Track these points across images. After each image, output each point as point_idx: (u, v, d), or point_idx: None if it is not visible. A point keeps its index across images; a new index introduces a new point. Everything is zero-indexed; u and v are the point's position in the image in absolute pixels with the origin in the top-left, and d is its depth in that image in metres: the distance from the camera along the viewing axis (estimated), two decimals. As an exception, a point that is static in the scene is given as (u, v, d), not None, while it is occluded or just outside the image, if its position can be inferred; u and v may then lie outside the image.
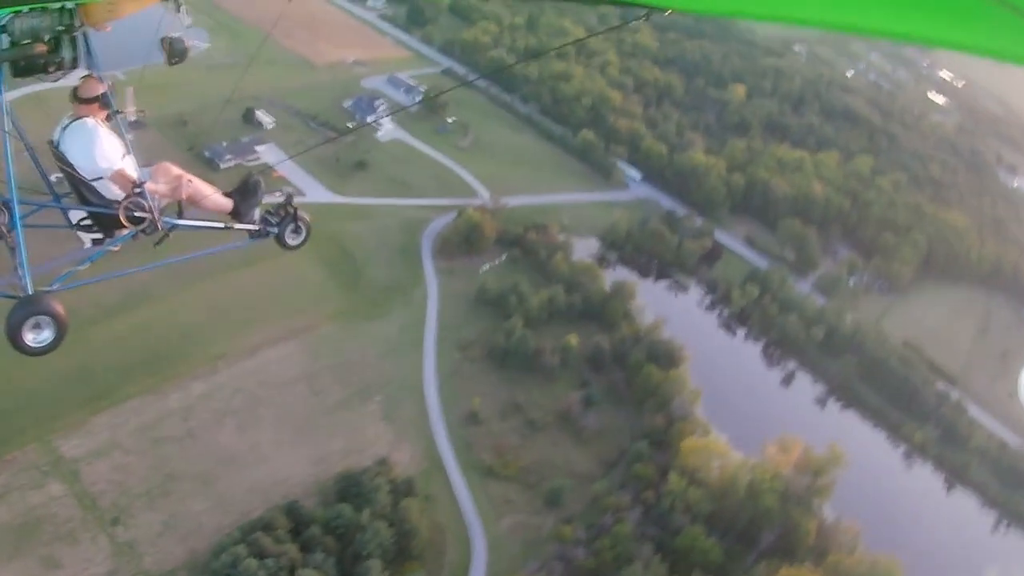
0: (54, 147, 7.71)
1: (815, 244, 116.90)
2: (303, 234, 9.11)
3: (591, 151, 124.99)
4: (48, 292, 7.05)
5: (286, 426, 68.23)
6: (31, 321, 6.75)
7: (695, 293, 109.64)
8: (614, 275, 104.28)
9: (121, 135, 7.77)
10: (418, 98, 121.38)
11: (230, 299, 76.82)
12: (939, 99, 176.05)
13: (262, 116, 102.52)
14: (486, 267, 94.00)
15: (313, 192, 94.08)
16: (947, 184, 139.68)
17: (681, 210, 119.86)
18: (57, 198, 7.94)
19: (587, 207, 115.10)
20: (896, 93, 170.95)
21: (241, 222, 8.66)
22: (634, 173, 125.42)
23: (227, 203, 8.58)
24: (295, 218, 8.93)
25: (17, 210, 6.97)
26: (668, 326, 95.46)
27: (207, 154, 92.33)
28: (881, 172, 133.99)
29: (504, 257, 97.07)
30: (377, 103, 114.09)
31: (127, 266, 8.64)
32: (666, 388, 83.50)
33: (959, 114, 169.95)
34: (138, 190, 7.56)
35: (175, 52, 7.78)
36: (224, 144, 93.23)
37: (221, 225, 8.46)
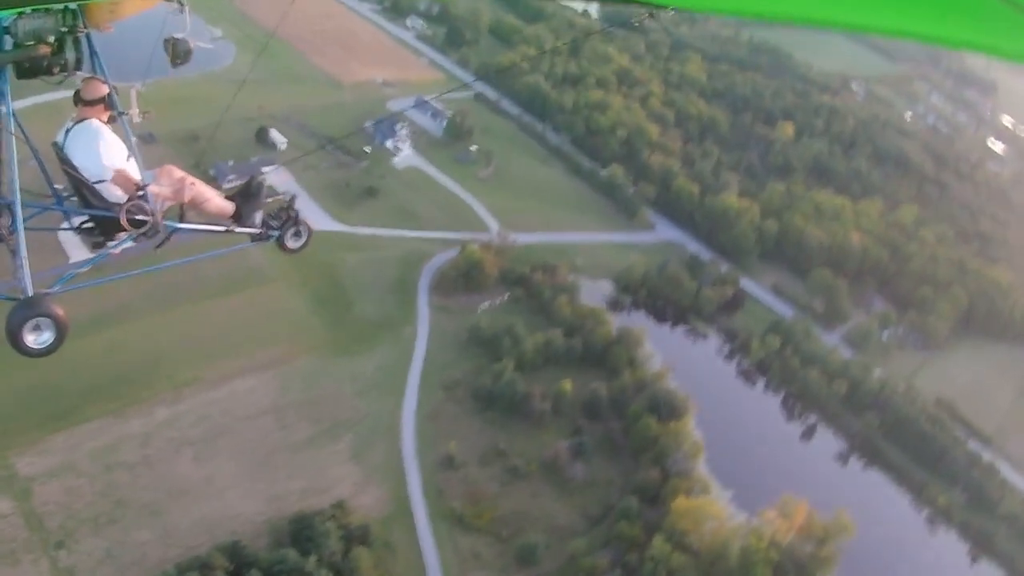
0: (58, 149, 7.83)
1: (846, 295, 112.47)
2: (304, 237, 9.29)
3: (618, 188, 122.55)
4: (48, 294, 7.11)
5: (245, 460, 67.72)
6: (31, 323, 6.83)
7: (714, 341, 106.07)
8: (628, 320, 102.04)
9: (125, 137, 7.90)
10: (443, 122, 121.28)
11: (208, 325, 77.20)
12: (998, 147, 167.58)
13: (276, 136, 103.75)
14: (485, 306, 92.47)
15: (315, 219, 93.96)
16: (995, 239, 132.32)
17: (707, 255, 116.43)
18: (59, 201, 8.10)
19: (606, 248, 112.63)
20: (954, 138, 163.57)
21: (243, 225, 8.77)
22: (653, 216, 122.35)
23: (229, 206, 8.67)
24: (296, 221, 9.12)
25: (19, 212, 7.07)
26: (681, 375, 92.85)
27: (212, 172, 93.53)
28: (926, 223, 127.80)
29: (506, 297, 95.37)
30: (398, 126, 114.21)
31: (129, 269, 9.23)
32: (665, 441, 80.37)
33: (1018, 163, 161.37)
34: (140, 193, 7.64)
35: (178, 53, 7.90)
36: (230, 163, 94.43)
37: (223, 228, 8.60)
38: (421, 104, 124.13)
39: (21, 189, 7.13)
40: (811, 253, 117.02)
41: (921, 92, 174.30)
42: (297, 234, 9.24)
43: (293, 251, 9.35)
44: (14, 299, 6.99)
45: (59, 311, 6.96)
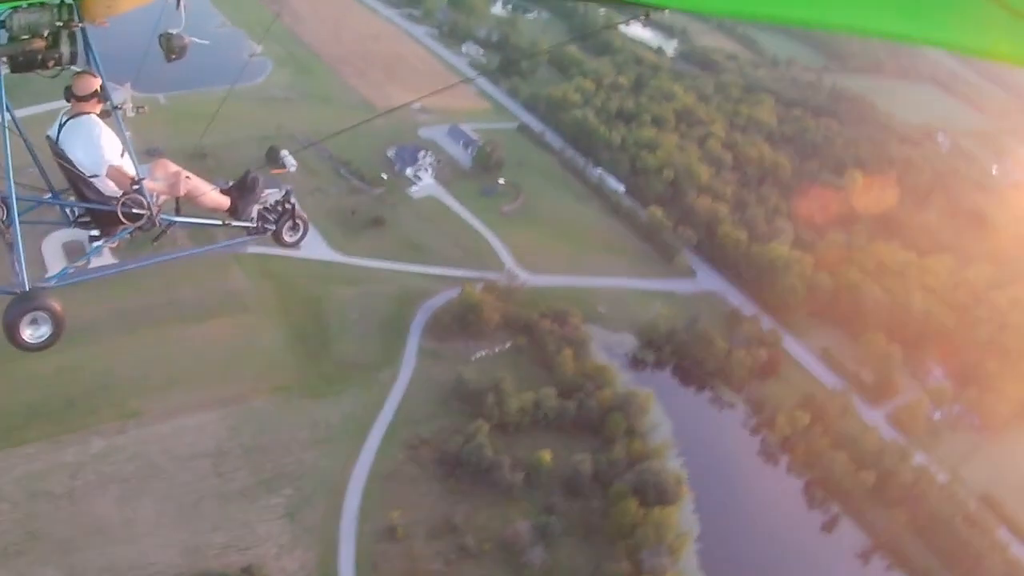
0: (52, 143, 7.97)
1: (900, 365, 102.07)
2: (300, 232, 9.41)
3: (657, 231, 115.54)
4: (46, 288, 7.33)
5: (172, 506, 64.84)
6: (28, 317, 7.04)
7: (740, 412, 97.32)
8: (649, 379, 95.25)
9: (119, 131, 7.93)
10: (472, 151, 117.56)
11: (171, 352, 75.31)
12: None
13: (286, 157, 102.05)
14: (480, 354, 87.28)
15: (311, 247, 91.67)
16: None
17: (751, 309, 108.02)
18: (55, 194, 8.25)
19: (637, 295, 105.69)
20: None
21: (238, 219, 8.98)
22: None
23: (225, 200, 8.93)
24: (292, 215, 9.25)
25: (15, 206, 7.18)
26: (694, 449, 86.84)
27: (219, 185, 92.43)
28: (1000, 285, 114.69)
29: (507, 345, 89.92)
30: (421, 154, 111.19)
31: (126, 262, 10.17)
32: (647, 529, 72.79)
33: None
34: (136, 187, 7.81)
35: (173, 49, 7.79)
36: (229, 183, 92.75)
37: (219, 222, 8.85)
38: (455, 133, 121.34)
39: (16, 183, 7.19)
40: (867, 313, 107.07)
41: (1010, 145, 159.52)
42: (294, 228, 9.30)
43: (290, 245, 9.42)
44: (12, 293, 7.11)
45: (57, 305, 7.17)
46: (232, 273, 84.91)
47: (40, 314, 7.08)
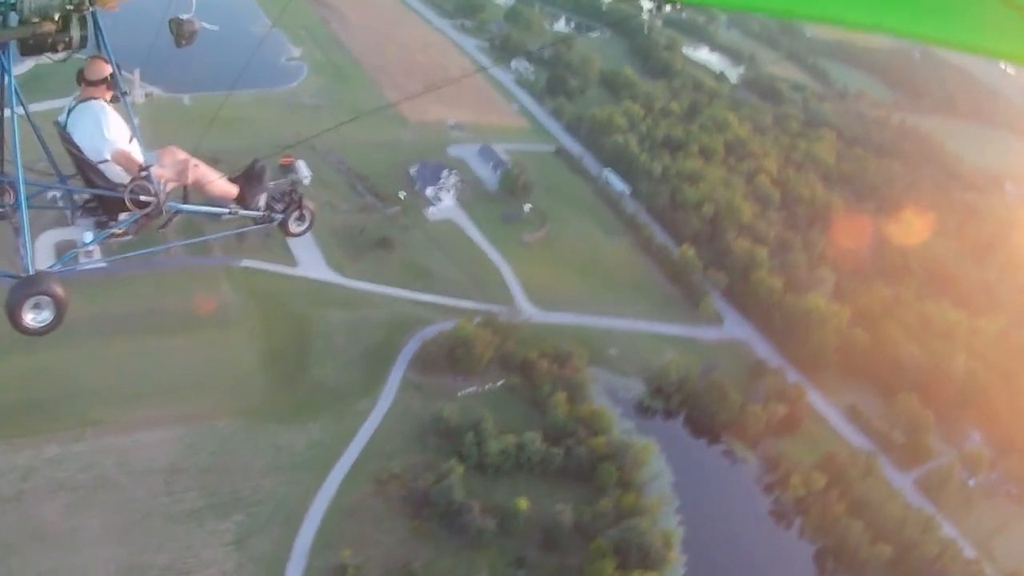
0: (60, 128, 8.07)
1: (934, 428, 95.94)
2: (307, 222, 9.53)
3: (687, 272, 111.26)
4: (50, 273, 7.36)
5: (118, 520, 64.87)
6: (31, 301, 7.11)
7: (754, 467, 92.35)
8: (655, 428, 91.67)
9: (128, 118, 8.09)
10: (496, 170, 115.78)
11: (144, 363, 75.86)
12: None
13: (301, 168, 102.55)
14: (468, 391, 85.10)
15: (307, 264, 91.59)
16: None
17: (777, 361, 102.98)
18: (62, 180, 8.32)
19: (654, 340, 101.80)
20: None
21: (246, 208, 9.04)
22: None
23: (232, 189, 8.97)
24: (300, 205, 9.35)
25: (23, 191, 7.33)
26: (698, 505, 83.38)
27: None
28: None
29: (500, 384, 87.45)
30: (444, 174, 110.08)
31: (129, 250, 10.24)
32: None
33: None
34: (144, 173, 7.91)
35: (183, 34, 7.90)
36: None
37: (226, 210, 8.90)
38: (485, 152, 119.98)
39: (24, 167, 7.29)
40: (903, 372, 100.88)
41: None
42: (300, 218, 9.39)
43: (296, 235, 9.53)
44: (16, 277, 7.20)
45: (60, 290, 7.19)
46: (221, 287, 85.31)
47: (43, 298, 7.14)
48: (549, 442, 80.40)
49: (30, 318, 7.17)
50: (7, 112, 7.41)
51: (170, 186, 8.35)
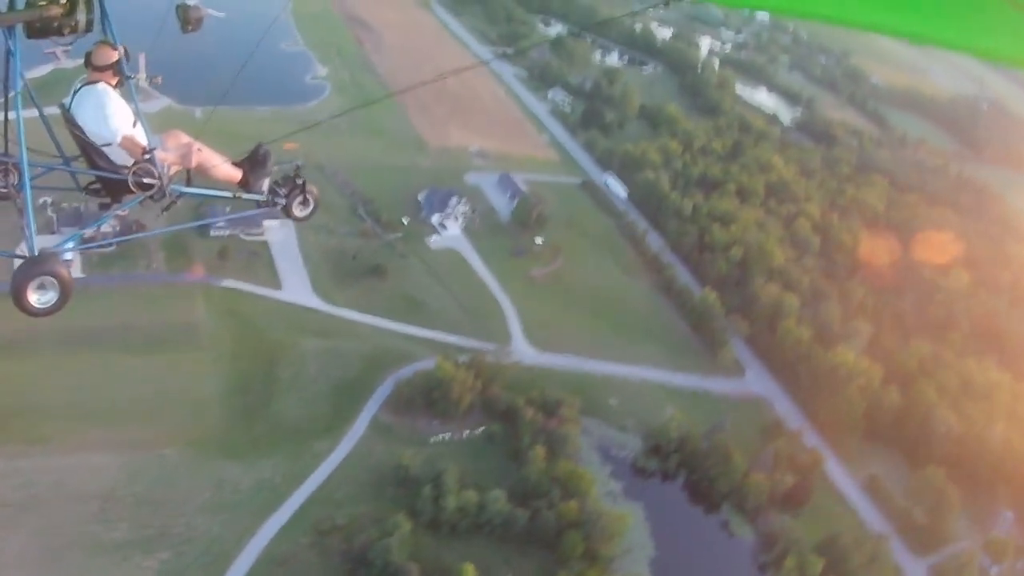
0: (65, 111, 8.10)
1: (961, 507, 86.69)
2: (311, 207, 9.52)
3: (708, 318, 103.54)
4: (55, 254, 7.38)
5: (40, 545, 62.10)
6: (36, 281, 7.13)
7: (751, 544, 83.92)
8: (646, 491, 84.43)
9: (133, 101, 8.07)
10: (513, 201, 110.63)
11: (102, 382, 73.59)
12: None
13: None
14: (441, 438, 79.64)
15: (292, 288, 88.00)
16: None
17: (797, 421, 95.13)
18: (66, 161, 8.34)
19: (663, 391, 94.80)
20: None
21: (249, 192, 9.03)
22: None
23: (236, 173, 8.93)
24: (303, 190, 9.30)
25: (27, 171, 7.48)
26: None
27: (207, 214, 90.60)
28: None
29: (479, 431, 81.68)
30: (453, 201, 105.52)
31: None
32: None
33: None
34: (148, 156, 7.95)
35: (189, 20, 7.88)
36: (227, 208, 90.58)
37: (229, 194, 8.95)
38: (504, 182, 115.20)
39: (28, 148, 7.41)
40: (935, 440, 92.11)
41: None
42: (304, 202, 9.39)
43: (300, 219, 9.53)
44: (21, 257, 7.21)
45: (65, 271, 7.22)
46: (196, 306, 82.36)
47: (47, 279, 7.16)
48: (516, 502, 74.12)
49: (35, 299, 7.17)
50: (11, 94, 7.31)
51: (173, 169, 8.32)
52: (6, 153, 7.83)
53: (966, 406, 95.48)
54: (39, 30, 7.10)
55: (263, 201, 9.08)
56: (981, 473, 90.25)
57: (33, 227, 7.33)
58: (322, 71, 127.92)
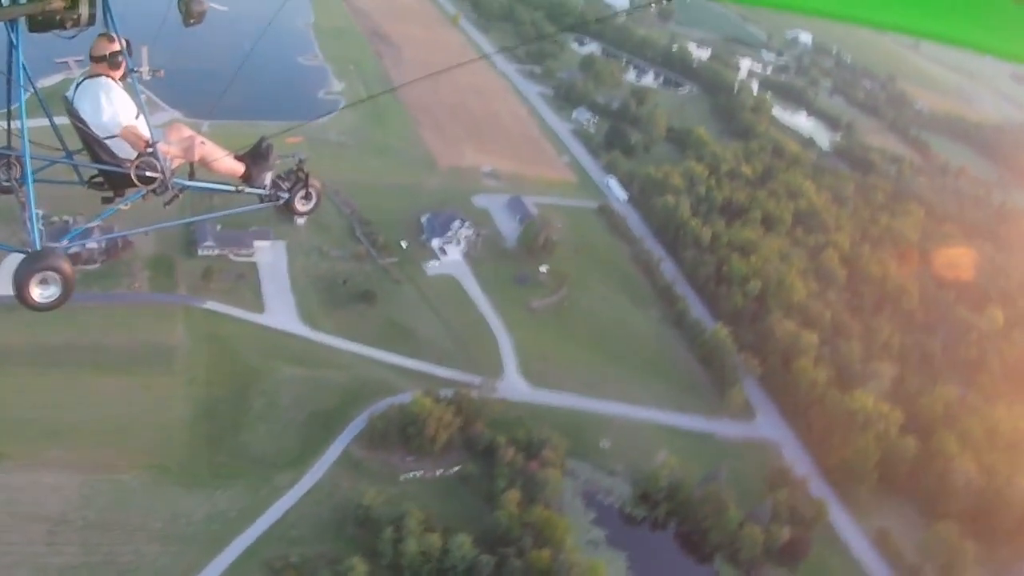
0: (68, 103, 8.14)
1: (977, 563, 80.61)
2: (313, 201, 9.43)
3: (719, 355, 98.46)
4: (56, 248, 7.39)
5: (-17, 568, 60.40)
6: (38, 276, 7.14)
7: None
8: (633, 540, 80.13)
9: (135, 94, 8.15)
10: (522, 225, 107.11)
11: (68, 401, 73.20)
12: None
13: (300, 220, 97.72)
14: (412, 475, 76.58)
15: (276, 312, 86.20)
16: None
17: (806, 467, 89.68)
18: (69, 155, 8.36)
19: (662, 432, 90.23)
20: None
21: (252, 186, 9.00)
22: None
23: (239, 167, 8.93)
24: (307, 184, 9.23)
25: (29, 165, 7.45)
26: None
27: (196, 233, 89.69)
28: None
29: (454, 470, 78.37)
30: (456, 224, 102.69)
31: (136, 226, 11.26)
32: None
33: None
34: (150, 150, 7.93)
35: (192, 13, 7.79)
36: (218, 228, 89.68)
37: (232, 188, 8.84)
38: (514, 204, 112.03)
39: (31, 142, 7.40)
40: (953, 492, 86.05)
41: None
42: (307, 197, 9.30)
43: (303, 214, 9.49)
44: (23, 252, 7.21)
45: (67, 266, 7.22)
46: (174, 328, 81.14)
47: (50, 274, 7.14)
48: (484, 548, 70.46)
49: (37, 293, 7.13)
50: (14, 87, 7.29)
51: (176, 163, 8.27)
52: (9, 147, 7.89)
53: (990, 456, 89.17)
54: (42, 23, 7.15)
55: (265, 195, 9.01)
56: (1001, 528, 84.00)
57: (36, 221, 7.29)
58: (338, 86, 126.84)
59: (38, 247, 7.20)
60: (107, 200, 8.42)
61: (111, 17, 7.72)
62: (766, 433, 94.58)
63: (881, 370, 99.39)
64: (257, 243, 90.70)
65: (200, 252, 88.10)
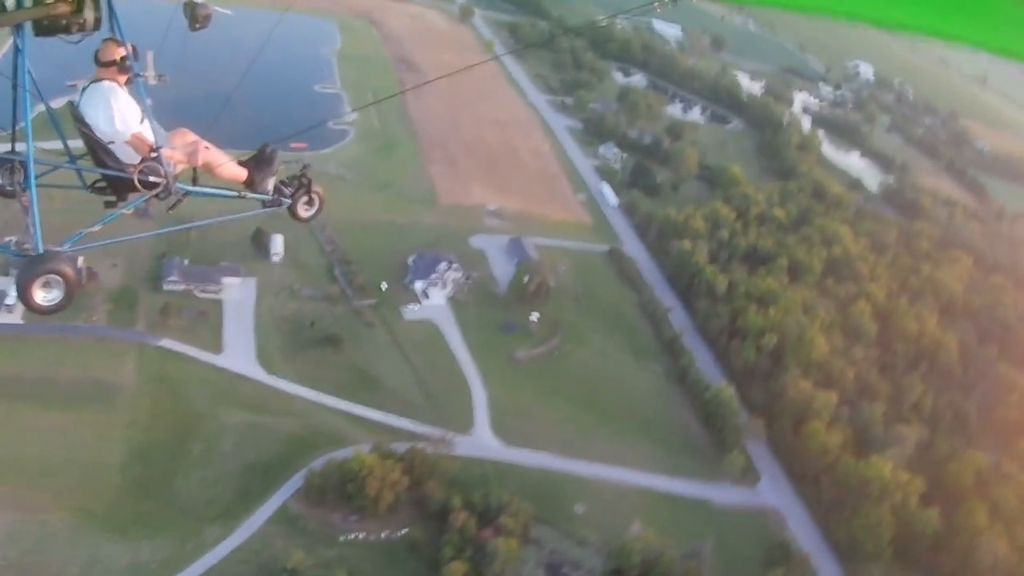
0: (74, 109, 8.17)
1: None
2: (316, 206, 9.60)
3: (722, 415, 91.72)
4: (60, 252, 7.47)
5: None
6: (41, 279, 7.25)
7: None
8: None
9: (140, 99, 8.22)
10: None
11: (5, 433, 73.27)
12: None
13: (276, 243, 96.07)
14: (352, 537, 72.81)
15: (234, 353, 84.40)
16: None
17: (812, 540, 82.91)
18: (72, 159, 8.42)
19: (648, 499, 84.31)
20: None
21: (255, 191, 9.11)
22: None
23: (242, 172, 9.03)
24: (309, 190, 9.38)
25: (32, 169, 7.52)
26: None
27: (163, 267, 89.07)
28: None
29: (400, 533, 74.10)
30: (442, 267, 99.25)
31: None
32: None
33: None
34: (154, 154, 8.05)
35: (197, 17, 7.98)
36: (185, 262, 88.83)
37: (235, 193, 8.99)
38: (515, 246, 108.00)
39: (35, 146, 7.44)
40: (979, 572, 78.59)
41: None
42: (310, 202, 9.44)
43: (306, 220, 9.61)
44: (26, 255, 7.39)
45: (70, 270, 7.33)
46: (125, 365, 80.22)
47: (53, 277, 7.25)
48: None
49: (40, 296, 7.23)
50: (19, 92, 7.37)
51: (180, 168, 8.34)
52: (13, 151, 7.88)
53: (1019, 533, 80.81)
54: (47, 28, 7.23)
55: (268, 200, 9.05)
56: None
57: (39, 225, 7.36)
58: (350, 115, 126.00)
59: (40, 250, 7.33)
60: (110, 205, 8.41)
61: (116, 22, 7.73)
62: (769, 500, 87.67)
63: (905, 433, 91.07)
64: (226, 280, 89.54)
65: (165, 287, 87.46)
